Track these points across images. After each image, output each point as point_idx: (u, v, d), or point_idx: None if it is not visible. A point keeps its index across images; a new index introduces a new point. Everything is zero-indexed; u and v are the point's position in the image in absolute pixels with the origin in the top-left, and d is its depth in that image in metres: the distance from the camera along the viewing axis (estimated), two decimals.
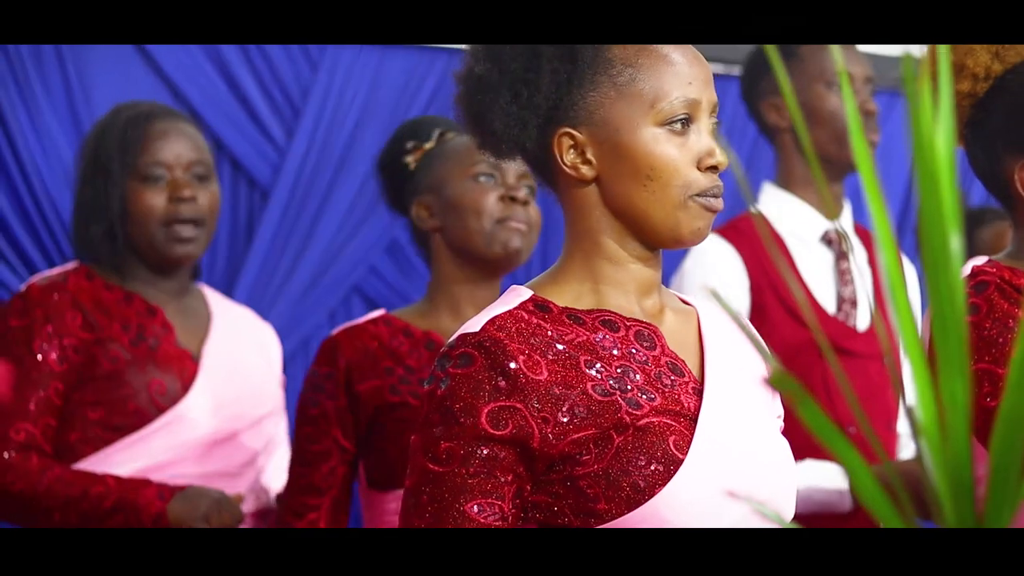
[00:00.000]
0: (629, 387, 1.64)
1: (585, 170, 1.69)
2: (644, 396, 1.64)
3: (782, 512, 1.68)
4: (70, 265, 2.83)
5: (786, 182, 3.25)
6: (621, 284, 1.71)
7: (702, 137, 1.69)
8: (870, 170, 1.01)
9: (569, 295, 1.71)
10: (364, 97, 3.77)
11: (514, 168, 2.56)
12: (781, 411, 1.80)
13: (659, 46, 1.69)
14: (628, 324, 1.70)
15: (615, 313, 1.70)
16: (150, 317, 2.79)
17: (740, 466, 1.65)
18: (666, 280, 1.89)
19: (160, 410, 2.72)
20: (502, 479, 1.60)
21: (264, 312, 3.46)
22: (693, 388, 1.69)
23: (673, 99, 1.67)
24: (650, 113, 1.67)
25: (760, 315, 3.08)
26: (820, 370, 3.03)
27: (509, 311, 1.67)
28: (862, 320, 3.17)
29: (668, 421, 1.63)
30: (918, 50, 1.07)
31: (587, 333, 1.67)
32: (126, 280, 2.81)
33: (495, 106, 1.69)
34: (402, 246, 3.74)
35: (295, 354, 3.65)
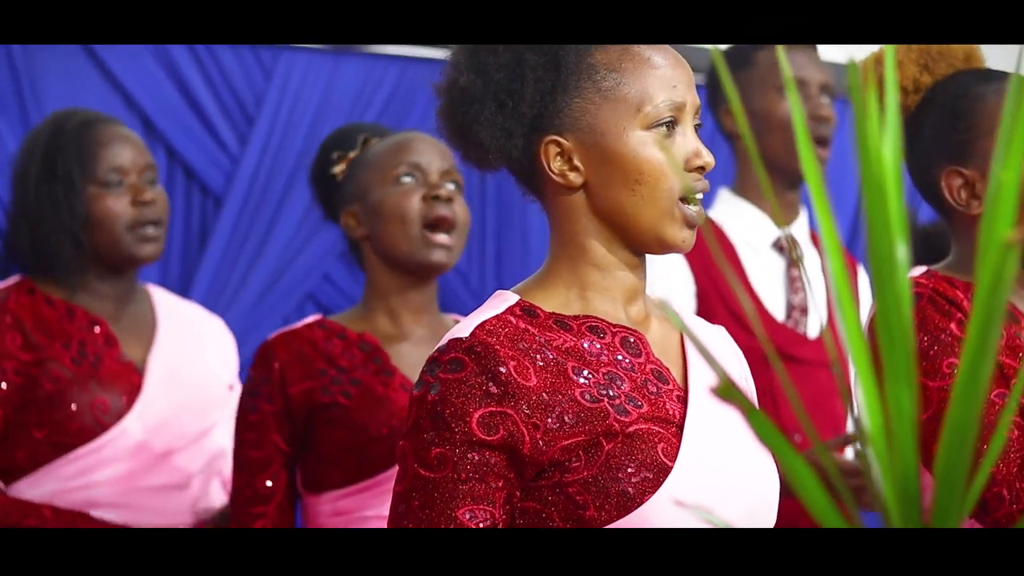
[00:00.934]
0: (616, 394, 1.64)
1: (573, 177, 1.69)
2: (631, 403, 1.64)
3: (767, 519, 1.69)
4: (12, 280, 2.81)
5: (742, 189, 3.28)
6: (607, 290, 1.71)
7: (688, 139, 1.70)
8: (816, 178, 1.01)
9: (556, 300, 1.70)
10: (318, 104, 3.76)
11: (436, 165, 2.56)
12: None
13: (641, 49, 1.69)
14: (614, 330, 1.70)
15: (601, 319, 1.70)
16: (92, 331, 2.77)
17: (726, 474, 1.66)
18: None
19: (104, 428, 2.71)
20: (493, 485, 1.60)
21: None
22: (678, 396, 1.69)
23: (659, 103, 1.68)
24: (636, 117, 1.67)
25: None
26: (767, 377, 3.04)
27: (497, 315, 1.66)
28: (812, 327, 3.19)
29: (656, 428, 1.64)
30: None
31: (574, 339, 1.67)
32: (72, 289, 2.79)
33: (480, 117, 1.68)
34: None
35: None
